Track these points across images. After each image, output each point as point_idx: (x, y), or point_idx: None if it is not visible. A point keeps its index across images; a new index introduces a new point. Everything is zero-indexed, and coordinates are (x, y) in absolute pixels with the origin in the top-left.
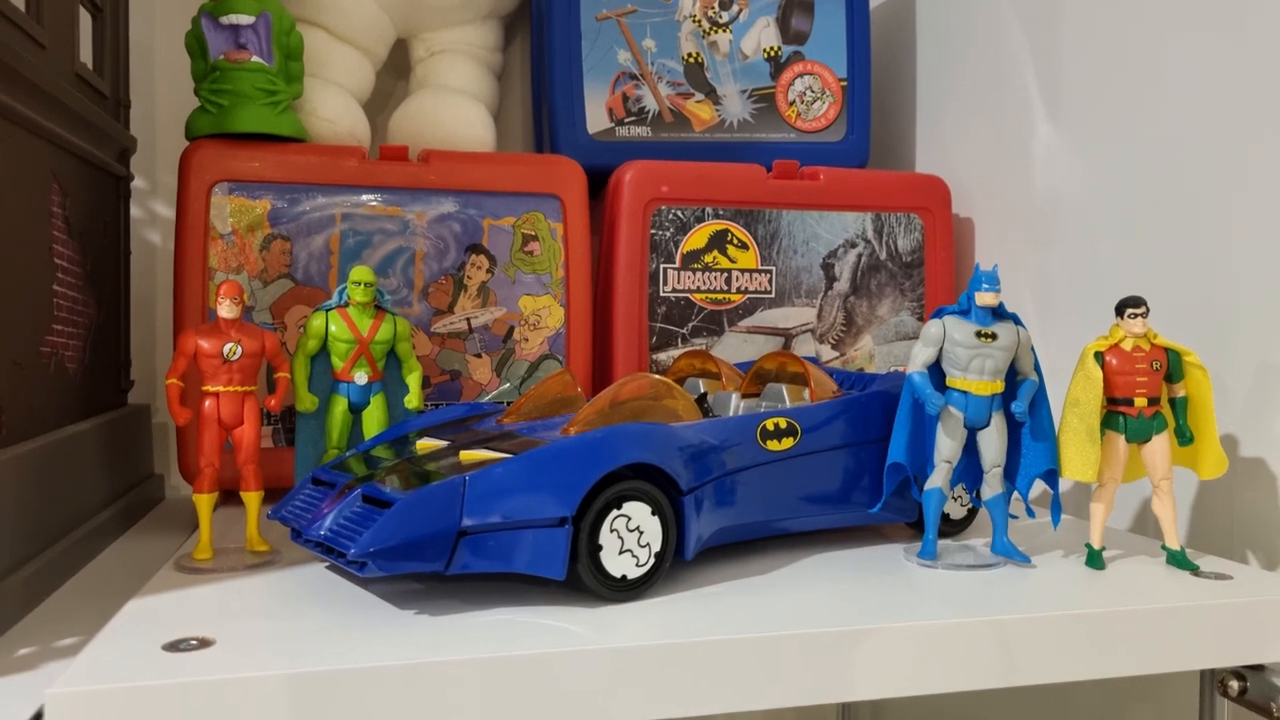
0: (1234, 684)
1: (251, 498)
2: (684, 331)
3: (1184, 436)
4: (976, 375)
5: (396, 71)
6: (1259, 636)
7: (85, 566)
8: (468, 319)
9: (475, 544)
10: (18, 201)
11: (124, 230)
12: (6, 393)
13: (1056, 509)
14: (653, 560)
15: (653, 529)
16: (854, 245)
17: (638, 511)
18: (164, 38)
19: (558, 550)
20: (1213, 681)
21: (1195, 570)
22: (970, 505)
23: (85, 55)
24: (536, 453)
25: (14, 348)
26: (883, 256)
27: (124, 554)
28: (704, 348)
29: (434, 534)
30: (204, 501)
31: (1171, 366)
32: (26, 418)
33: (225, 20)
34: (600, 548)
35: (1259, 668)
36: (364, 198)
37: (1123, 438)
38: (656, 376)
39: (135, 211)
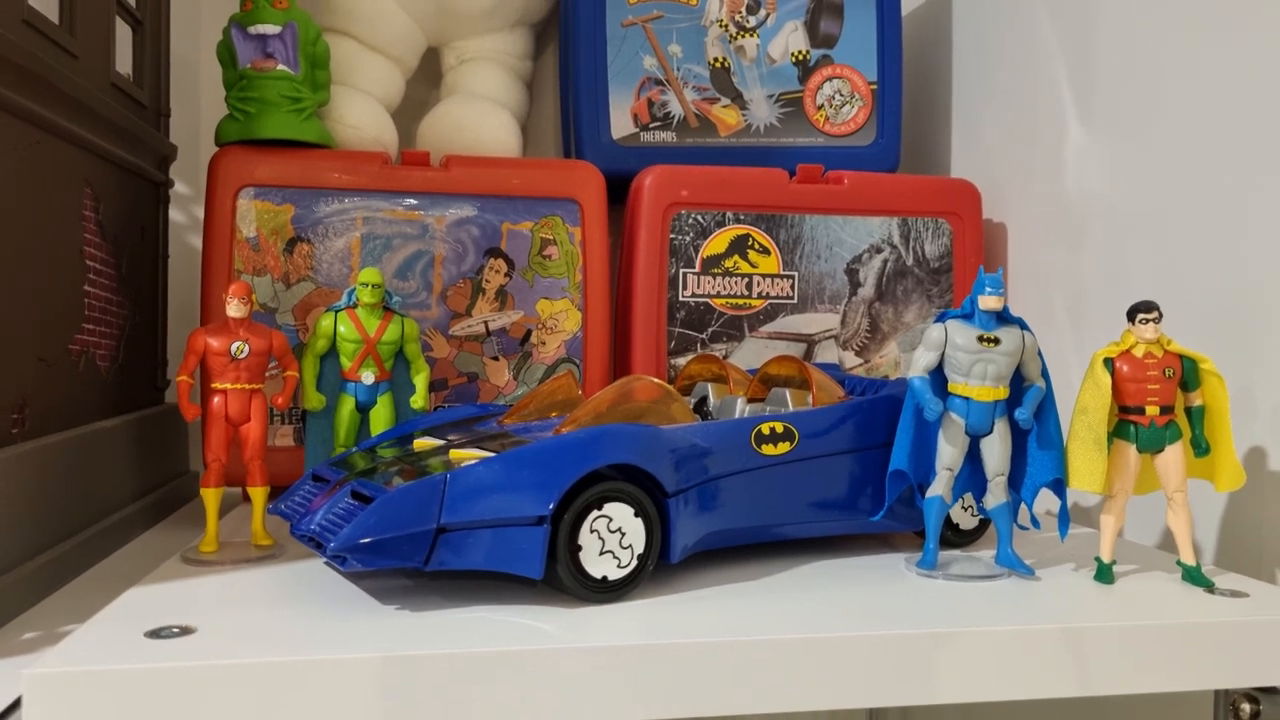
0: (1246, 706)
1: (257, 493)
2: (703, 337)
3: (1200, 447)
4: (978, 381)
5: (431, 80)
6: (1273, 657)
7: (107, 557)
8: (485, 322)
9: (454, 541)
10: (46, 205)
11: (162, 234)
12: (31, 388)
13: (1064, 520)
14: (635, 562)
15: (635, 531)
16: (879, 250)
17: (620, 512)
18: (208, 50)
19: (535, 549)
20: (1226, 703)
21: (1210, 587)
22: (980, 515)
23: (125, 66)
24: (517, 451)
25: (40, 345)
26: (909, 262)
27: (147, 546)
28: (722, 353)
29: (413, 530)
30: (210, 495)
31: (1187, 374)
32: (51, 413)
33: (253, 30)
34: (580, 548)
35: (1273, 690)
36: (385, 202)
37: (1133, 447)
38: (654, 380)
39: (179, 217)
